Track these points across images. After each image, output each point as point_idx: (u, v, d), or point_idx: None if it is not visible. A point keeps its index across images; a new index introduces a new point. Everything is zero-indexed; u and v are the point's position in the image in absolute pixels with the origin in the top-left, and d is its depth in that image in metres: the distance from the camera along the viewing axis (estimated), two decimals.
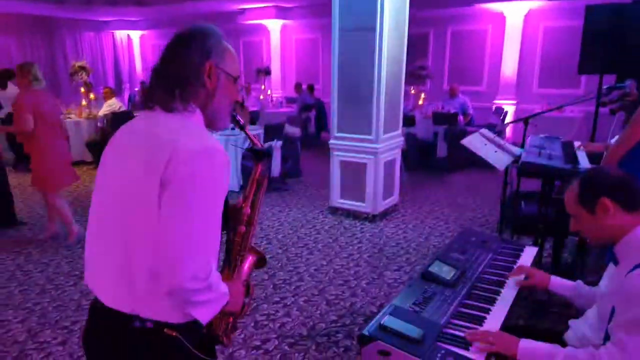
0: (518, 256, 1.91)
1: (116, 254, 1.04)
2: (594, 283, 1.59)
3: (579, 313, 1.56)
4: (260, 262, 1.33)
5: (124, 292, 1.03)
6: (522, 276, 1.68)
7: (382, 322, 1.29)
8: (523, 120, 3.13)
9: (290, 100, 9.98)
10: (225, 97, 1.13)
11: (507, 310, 1.50)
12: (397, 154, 4.81)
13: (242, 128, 1.29)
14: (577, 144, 3.19)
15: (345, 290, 3.16)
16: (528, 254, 1.93)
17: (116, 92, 9.02)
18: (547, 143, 3.15)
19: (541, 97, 8.14)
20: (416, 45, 8.53)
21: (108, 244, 1.06)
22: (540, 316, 2.67)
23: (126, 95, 13.11)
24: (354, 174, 4.55)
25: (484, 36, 8.89)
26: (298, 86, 9.66)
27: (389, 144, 4.54)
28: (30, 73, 3.62)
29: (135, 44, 14.11)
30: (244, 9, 10.64)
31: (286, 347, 2.50)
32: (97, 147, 6.77)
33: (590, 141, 3.96)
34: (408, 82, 5.70)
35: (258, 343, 2.54)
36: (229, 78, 1.12)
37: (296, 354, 2.44)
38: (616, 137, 3.08)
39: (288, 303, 2.98)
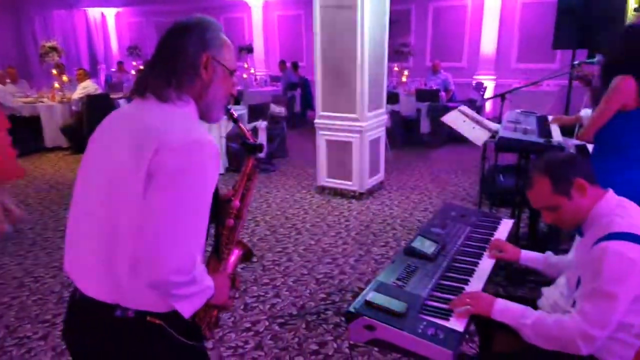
0: (495, 229, 1.99)
1: (99, 241, 1.03)
2: (567, 251, 1.70)
3: (552, 282, 1.67)
4: (247, 256, 1.34)
5: (106, 281, 1.03)
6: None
7: (367, 299, 1.35)
8: (500, 95, 3.20)
9: (274, 79, 9.85)
10: (221, 89, 1.14)
11: (485, 281, 1.58)
12: (382, 132, 4.87)
13: (235, 121, 1.31)
14: (550, 118, 3.29)
15: (333, 268, 3.24)
16: (505, 226, 2.02)
17: (91, 73, 8.65)
18: (523, 118, 3.23)
19: (520, 71, 8.23)
20: (399, 21, 8.47)
21: (91, 231, 1.05)
22: (518, 284, 2.82)
23: (102, 77, 12.73)
24: (340, 153, 4.60)
25: (464, 12, 8.88)
26: (282, 64, 9.53)
27: (373, 122, 4.59)
28: None
29: (110, 23, 13.61)
30: None
31: (276, 327, 2.55)
32: (72, 132, 6.61)
33: (564, 114, 4.09)
34: (391, 60, 5.70)
35: (248, 325, 2.57)
36: (225, 71, 1.13)
37: (286, 334, 2.49)
38: (586, 109, 3.19)
39: (277, 284, 3.03)
